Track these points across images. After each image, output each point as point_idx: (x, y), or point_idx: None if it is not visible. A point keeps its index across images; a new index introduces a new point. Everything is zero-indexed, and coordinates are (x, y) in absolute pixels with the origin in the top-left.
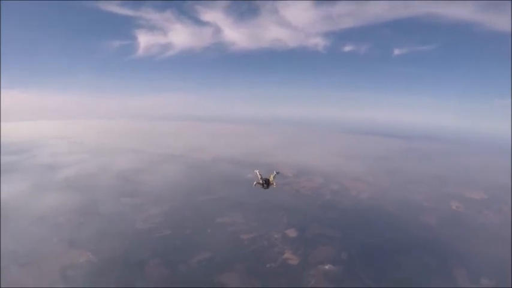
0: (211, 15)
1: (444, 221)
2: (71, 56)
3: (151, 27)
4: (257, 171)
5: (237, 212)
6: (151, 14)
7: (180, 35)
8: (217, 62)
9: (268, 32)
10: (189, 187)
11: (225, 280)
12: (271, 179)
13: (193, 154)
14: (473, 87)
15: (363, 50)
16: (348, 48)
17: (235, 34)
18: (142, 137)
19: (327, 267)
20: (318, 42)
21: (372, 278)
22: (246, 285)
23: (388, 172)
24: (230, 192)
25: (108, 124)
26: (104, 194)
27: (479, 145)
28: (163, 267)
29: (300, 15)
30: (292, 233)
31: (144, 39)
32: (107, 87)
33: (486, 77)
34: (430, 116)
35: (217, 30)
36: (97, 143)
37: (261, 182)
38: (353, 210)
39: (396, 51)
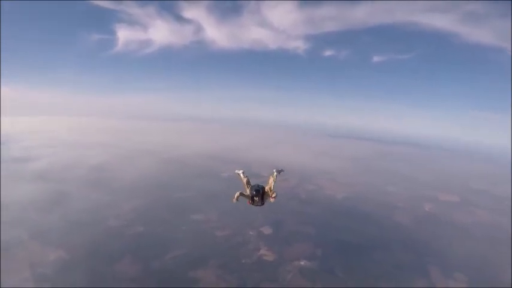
0: (194, 12)
1: (417, 221)
2: (47, 49)
3: (132, 22)
4: (240, 171)
5: (212, 209)
6: (132, 8)
7: (160, 32)
8: (197, 61)
9: (250, 32)
10: (163, 183)
11: (200, 276)
12: (269, 186)
13: (167, 150)
14: (449, 97)
15: (343, 56)
16: (328, 52)
17: (217, 33)
18: (117, 134)
19: (302, 263)
20: (299, 45)
21: (346, 273)
22: (221, 281)
23: (363, 174)
24: (205, 189)
25: (83, 121)
26: (76, 189)
27: (453, 152)
28: (136, 264)
29: (283, 16)
30: (267, 230)
31: (124, 34)
32: (84, 82)
33: (462, 88)
34: (407, 123)
35: (199, 28)
36: (71, 138)
37: (248, 193)
38: (328, 209)
39: (375, 58)
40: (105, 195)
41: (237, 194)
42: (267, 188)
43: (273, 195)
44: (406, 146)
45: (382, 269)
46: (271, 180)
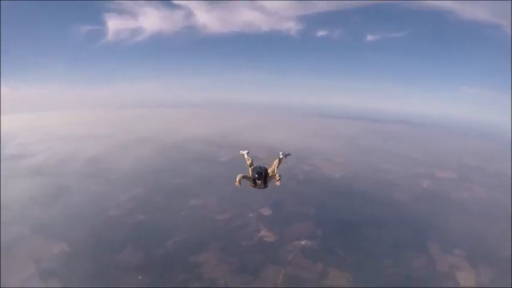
0: None
1: (415, 198)
2: (37, 45)
3: (121, 11)
4: (244, 152)
5: (211, 194)
6: None
7: (150, 19)
8: (189, 47)
9: (241, 15)
10: (160, 170)
11: (201, 260)
12: (273, 169)
13: (163, 137)
14: (443, 75)
15: (336, 36)
16: (321, 33)
17: (207, 17)
18: (112, 124)
19: (303, 242)
20: (291, 26)
21: (347, 252)
22: (222, 263)
23: (359, 153)
24: (203, 174)
25: (77, 114)
26: (74, 181)
27: (448, 129)
28: (139, 252)
29: None
30: (266, 211)
31: (114, 24)
32: (76, 75)
33: (456, 65)
34: (401, 101)
35: (189, 13)
36: (65, 132)
37: (251, 175)
38: (326, 189)
39: (369, 37)
40: (104, 186)
41: (239, 176)
42: (269, 171)
43: (278, 178)
44: (401, 124)
45: (382, 246)
46: (275, 163)
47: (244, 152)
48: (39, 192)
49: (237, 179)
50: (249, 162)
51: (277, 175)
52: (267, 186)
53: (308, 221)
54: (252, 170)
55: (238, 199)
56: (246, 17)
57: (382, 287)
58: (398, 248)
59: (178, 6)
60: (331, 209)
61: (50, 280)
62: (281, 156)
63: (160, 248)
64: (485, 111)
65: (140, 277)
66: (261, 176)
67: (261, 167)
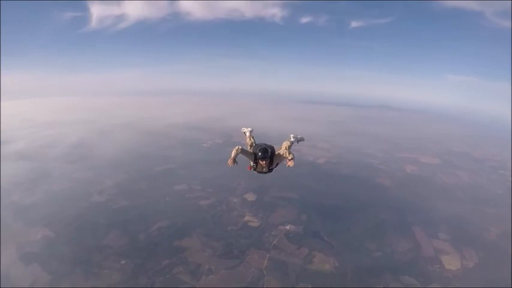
0: None
1: (399, 183)
2: (19, 31)
3: None
4: (247, 130)
5: (195, 179)
6: None
7: (134, 6)
8: (173, 33)
9: (226, 2)
10: (144, 156)
11: (186, 245)
12: (283, 151)
13: (147, 123)
14: (427, 62)
15: (320, 22)
16: (305, 19)
17: (192, 4)
18: (95, 111)
19: (287, 227)
20: (276, 12)
21: (331, 236)
22: (207, 248)
23: (343, 138)
24: (187, 159)
25: (60, 100)
26: (57, 167)
27: (432, 115)
28: (122, 237)
29: None
30: (250, 197)
31: (97, 10)
32: (59, 62)
33: (439, 52)
34: (384, 87)
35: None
36: (47, 118)
37: (252, 153)
38: (310, 174)
39: (353, 24)
40: (87, 172)
41: (235, 151)
42: (278, 151)
43: (291, 158)
44: (386, 110)
45: (367, 230)
46: (284, 149)
47: (247, 130)
48: (21, 177)
49: (233, 155)
50: (249, 141)
51: (290, 154)
52: (271, 170)
53: (292, 206)
54: (255, 147)
55: (222, 184)
56: (230, 4)
57: (367, 271)
58: (383, 232)
59: None
60: (316, 193)
61: (33, 265)
62: (292, 140)
63: (144, 234)
64: (470, 99)
65: (123, 262)
66: (267, 155)
67: (266, 145)
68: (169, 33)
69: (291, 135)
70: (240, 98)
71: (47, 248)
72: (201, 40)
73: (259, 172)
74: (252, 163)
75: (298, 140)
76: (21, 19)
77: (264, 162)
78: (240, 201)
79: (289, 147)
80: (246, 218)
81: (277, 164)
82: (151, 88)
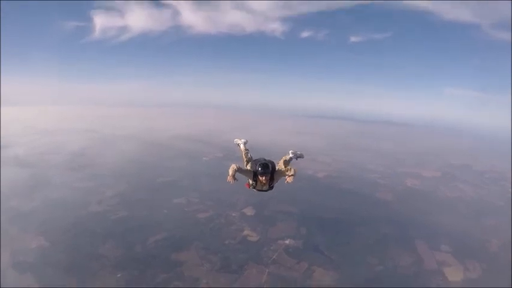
0: None
1: (400, 197)
2: (22, 39)
3: (108, 8)
4: (241, 141)
5: (194, 193)
6: None
7: (137, 17)
8: (175, 46)
9: (227, 16)
10: (145, 168)
11: (183, 258)
12: (281, 165)
13: (148, 135)
14: (425, 76)
15: (320, 37)
16: (305, 34)
17: (194, 17)
18: (97, 120)
19: (287, 241)
20: (276, 27)
21: (332, 251)
22: (204, 262)
23: (343, 152)
24: (187, 172)
25: (61, 109)
26: (56, 175)
27: (432, 129)
28: (119, 249)
29: None
30: (249, 211)
31: (100, 21)
32: (61, 71)
33: (437, 66)
34: (384, 102)
35: (176, 13)
36: (48, 126)
37: (250, 169)
38: (310, 188)
39: (353, 39)
40: (87, 181)
41: (233, 168)
42: (278, 166)
43: (291, 174)
44: (384, 125)
45: (368, 244)
46: (281, 164)
47: (241, 142)
48: (20, 183)
49: (230, 173)
50: (245, 155)
51: (291, 170)
52: (272, 187)
53: (292, 220)
54: (253, 163)
55: (221, 198)
56: (232, 18)
57: (368, 286)
58: (384, 246)
59: (166, 5)
60: (315, 208)
61: (26, 274)
62: (291, 156)
63: (141, 246)
64: (469, 112)
65: (119, 275)
66: (267, 171)
67: (266, 159)
68: (172, 46)
69: (290, 152)
70: (241, 111)
71: (41, 256)
72: (203, 53)
73: (259, 190)
74: (250, 181)
75: (298, 156)
76: (24, 26)
77: (264, 178)
78: (239, 216)
79: (288, 162)
80: (245, 232)
81: (277, 181)
82: (153, 99)
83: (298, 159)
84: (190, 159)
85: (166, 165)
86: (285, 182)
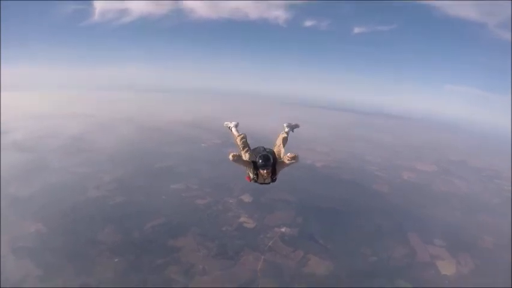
0: None
1: (396, 190)
2: (20, 23)
3: None
4: (231, 124)
5: (192, 179)
6: None
7: (138, 1)
8: (176, 30)
9: (229, 1)
10: (143, 153)
11: (180, 244)
12: (278, 151)
13: (147, 120)
14: (427, 71)
15: (323, 26)
16: (308, 23)
17: (196, 1)
18: (96, 105)
19: (283, 229)
20: (279, 15)
21: (327, 240)
22: (201, 248)
23: (342, 143)
24: (185, 158)
25: (60, 93)
26: (54, 159)
27: (430, 124)
28: (117, 233)
29: None
30: (247, 198)
31: (100, 4)
32: (60, 55)
33: (440, 62)
34: (385, 94)
35: None
36: (47, 110)
37: (248, 159)
38: (308, 178)
39: (356, 30)
40: (86, 165)
41: (231, 157)
42: (276, 152)
43: (291, 156)
44: (383, 117)
45: (362, 235)
46: (280, 140)
47: (231, 125)
48: (18, 168)
49: (230, 156)
50: (239, 140)
51: (292, 154)
52: (275, 179)
53: (289, 208)
54: (251, 153)
55: (219, 185)
56: (234, 3)
57: (362, 275)
58: (379, 237)
59: None
60: (312, 197)
61: (25, 259)
62: (287, 130)
63: (138, 231)
64: (469, 109)
65: (117, 260)
66: (268, 163)
67: (265, 149)
68: (172, 30)
69: (285, 125)
70: (241, 98)
71: (39, 242)
72: (204, 38)
73: (261, 183)
74: (251, 174)
75: (293, 127)
76: (22, 10)
77: (265, 171)
78: (236, 202)
79: (285, 142)
80: (242, 219)
81: (279, 171)
82: (153, 84)
83: (295, 130)
84: (189, 145)
85: (165, 150)
86: (286, 159)
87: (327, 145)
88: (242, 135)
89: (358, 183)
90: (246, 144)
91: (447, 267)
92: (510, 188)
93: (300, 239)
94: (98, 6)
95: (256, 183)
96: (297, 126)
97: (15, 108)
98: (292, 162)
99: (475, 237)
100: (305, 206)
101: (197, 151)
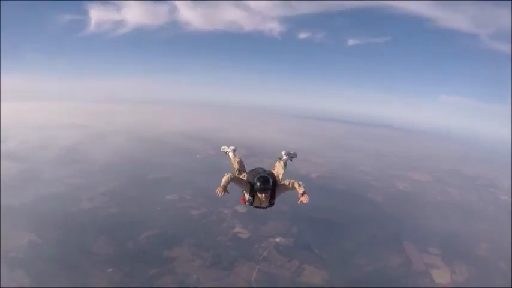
0: None
1: (391, 199)
2: (15, 33)
3: (104, 2)
4: (229, 149)
5: (187, 190)
6: None
7: (134, 12)
8: (171, 42)
9: (225, 14)
10: (138, 164)
11: (175, 255)
12: (280, 170)
13: (142, 131)
14: (421, 82)
15: (318, 38)
16: (303, 35)
17: (191, 14)
18: (91, 116)
19: (278, 239)
20: (274, 27)
21: (322, 249)
22: (196, 258)
23: (336, 154)
24: (180, 169)
25: (55, 104)
26: (48, 170)
27: (424, 134)
28: (110, 245)
29: None
30: (241, 209)
31: (96, 15)
32: (55, 66)
33: (434, 73)
34: (379, 106)
35: (173, 8)
36: (41, 121)
37: (245, 181)
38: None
39: (350, 42)
40: (79, 176)
41: (225, 179)
42: (276, 174)
43: (302, 191)
44: (378, 128)
45: (358, 244)
46: (277, 169)
47: (229, 149)
48: (12, 178)
49: (222, 183)
50: (236, 164)
51: (300, 185)
52: (273, 204)
53: (283, 218)
54: (249, 174)
55: (213, 195)
56: (230, 16)
57: (357, 285)
58: (374, 247)
59: (163, 1)
60: (307, 207)
61: (18, 271)
62: (285, 158)
63: (132, 242)
64: (463, 119)
65: (110, 270)
66: (268, 186)
67: (265, 171)
68: (168, 42)
69: (283, 152)
70: (236, 110)
71: (32, 252)
72: (200, 51)
73: (257, 207)
74: (246, 195)
75: (291, 156)
76: (20, 20)
77: (264, 195)
78: (231, 213)
79: (285, 166)
80: (236, 229)
81: (278, 196)
82: (149, 96)
83: (293, 159)
84: (184, 156)
85: (160, 161)
86: (298, 202)
87: (321, 156)
88: (239, 160)
89: (353, 193)
90: (243, 168)
91: (442, 276)
92: (508, 197)
93: (295, 249)
94: (94, 17)
95: (251, 206)
96: (295, 155)
97: (11, 118)
98: (298, 190)
99: (470, 246)
100: (300, 216)
101: (192, 162)
